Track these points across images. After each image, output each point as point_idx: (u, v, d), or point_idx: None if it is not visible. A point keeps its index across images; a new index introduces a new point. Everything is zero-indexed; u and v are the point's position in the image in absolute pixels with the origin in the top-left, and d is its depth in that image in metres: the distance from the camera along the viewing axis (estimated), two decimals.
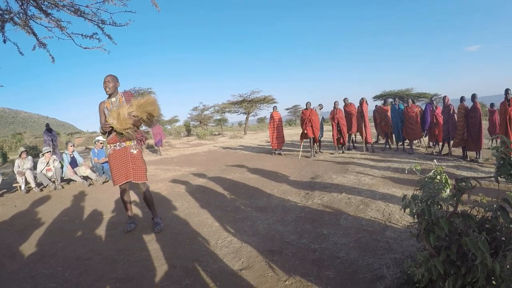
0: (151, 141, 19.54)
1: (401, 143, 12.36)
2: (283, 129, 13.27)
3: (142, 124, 4.69)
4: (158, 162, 13.07)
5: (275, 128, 12.93)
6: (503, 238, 2.14)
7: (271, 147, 13.49)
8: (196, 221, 5.17)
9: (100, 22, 6.63)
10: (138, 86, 33.84)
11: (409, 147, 11.95)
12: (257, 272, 3.43)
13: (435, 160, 2.70)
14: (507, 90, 8.73)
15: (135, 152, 4.71)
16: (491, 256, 2.03)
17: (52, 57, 6.66)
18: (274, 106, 13.62)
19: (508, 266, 2.01)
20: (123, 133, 4.42)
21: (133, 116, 4.42)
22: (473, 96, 9.84)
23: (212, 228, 4.82)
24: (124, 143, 4.69)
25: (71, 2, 6.06)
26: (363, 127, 12.17)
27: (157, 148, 16.46)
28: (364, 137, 12.32)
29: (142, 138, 4.84)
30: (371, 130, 13.12)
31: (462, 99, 10.32)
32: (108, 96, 4.74)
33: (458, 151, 11.43)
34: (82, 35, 6.67)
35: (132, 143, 4.71)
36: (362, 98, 12.57)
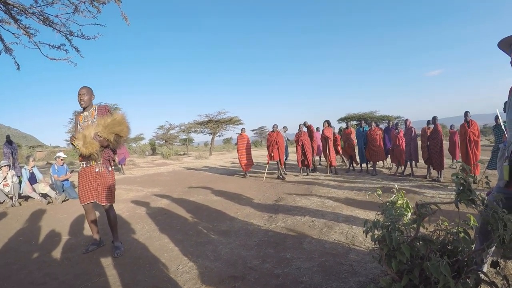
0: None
1: (364, 164, 12.62)
2: (251, 150, 13.20)
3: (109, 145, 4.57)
4: (121, 181, 12.77)
5: (244, 150, 12.80)
6: (465, 259, 2.14)
7: (235, 169, 13.45)
8: (157, 245, 5.01)
9: (68, 33, 6.52)
10: (104, 101, 33.45)
11: (372, 168, 12.17)
12: None
13: (396, 185, 2.72)
14: (466, 113, 9.09)
15: (97, 170, 4.57)
16: (453, 278, 2.02)
17: (18, 64, 6.51)
18: (243, 128, 13.43)
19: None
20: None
21: (100, 137, 4.31)
22: (434, 119, 10.28)
23: (173, 252, 4.67)
24: (90, 161, 4.56)
25: (40, 10, 5.95)
26: (327, 150, 12.29)
27: (120, 166, 16.15)
28: (328, 160, 12.42)
29: (110, 158, 4.70)
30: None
31: (428, 122, 10.73)
32: (83, 109, 4.63)
33: (420, 171, 11.73)
34: (49, 45, 6.54)
35: (99, 162, 4.57)
36: (325, 122, 12.70)
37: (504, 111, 2.83)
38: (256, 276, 3.77)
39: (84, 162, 4.57)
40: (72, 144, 4.37)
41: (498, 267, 2.18)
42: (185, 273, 3.93)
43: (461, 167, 2.08)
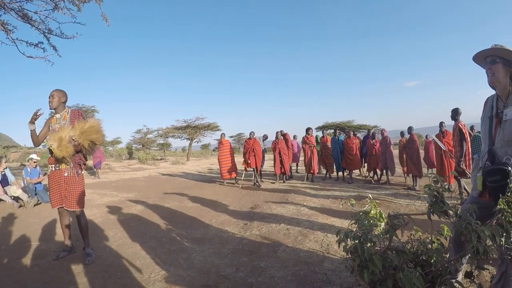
0: (90, 163, 19.01)
1: (341, 172, 12.73)
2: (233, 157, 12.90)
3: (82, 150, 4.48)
4: (96, 185, 12.61)
5: (225, 156, 12.55)
6: (440, 269, 2.15)
7: (211, 175, 13.37)
8: (129, 252, 4.90)
9: (47, 31, 6.41)
10: (81, 103, 33.01)
11: (348, 176, 12.27)
12: None
13: (369, 195, 2.73)
14: (441, 123, 9.27)
15: (66, 174, 4.46)
16: None
17: None
18: (222, 134, 13.22)
19: None
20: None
21: (75, 141, 4.22)
22: (410, 129, 10.60)
23: (146, 260, 4.56)
24: (59, 165, 4.46)
25: (20, 6, 5.84)
26: (311, 158, 12.35)
27: (95, 170, 15.91)
28: (307, 168, 12.48)
29: (81, 162, 4.59)
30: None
31: (402, 134, 10.98)
32: (55, 111, 4.54)
33: (395, 179, 11.87)
34: (27, 42, 6.43)
35: (68, 166, 4.45)
36: (309, 129, 12.74)
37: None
38: (229, 285, 3.71)
39: (53, 165, 4.47)
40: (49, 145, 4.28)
41: (472, 277, 2.20)
42: (157, 282, 3.84)
43: (434, 178, 2.09)
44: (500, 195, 2.15)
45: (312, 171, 12.47)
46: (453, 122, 7.94)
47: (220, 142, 12.88)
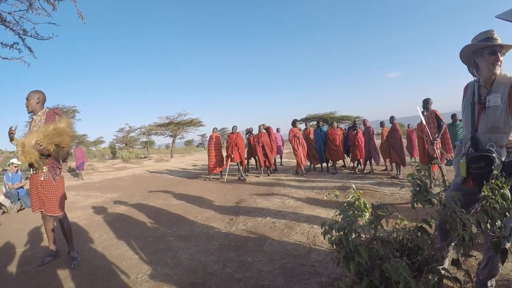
0: (73, 164, 18.79)
1: (324, 164, 12.79)
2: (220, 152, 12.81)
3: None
4: (79, 187, 12.42)
5: (211, 151, 12.43)
6: (426, 257, 2.15)
7: (196, 171, 13.30)
8: (115, 253, 4.83)
9: (22, 32, 6.30)
10: (62, 103, 32.64)
11: (332, 167, 12.32)
12: None
13: (353, 185, 2.73)
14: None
15: (42, 179, 4.36)
16: (415, 277, 2.02)
17: None
18: (215, 128, 13.16)
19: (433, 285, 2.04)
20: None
21: (40, 146, 4.11)
22: (392, 118, 10.71)
23: (132, 261, 4.51)
24: (36, 169, 4.38)
25: None
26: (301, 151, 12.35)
27: (78, 172, 15.73)
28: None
29: (55, 165, 4.48)
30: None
31: (382, 124, 11.11)
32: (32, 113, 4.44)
33: (379, 169, 11.98)
34: (1, 43, 6.31)
35: (45, 169, 4.37)
36: (295, 120, 12.71)
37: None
38: (217, 281, 3.69)
39: (32, 169, 4.39)
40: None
41: (459, 264, 2.21)
42: (145, 282, 3.80)
43: (417, 167, 2.08)
44: (484, 182, 2.16)
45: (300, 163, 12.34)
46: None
47: (211, 136, 12.78)
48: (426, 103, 8.31)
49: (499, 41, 2.50)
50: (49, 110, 4.46)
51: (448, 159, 8.39)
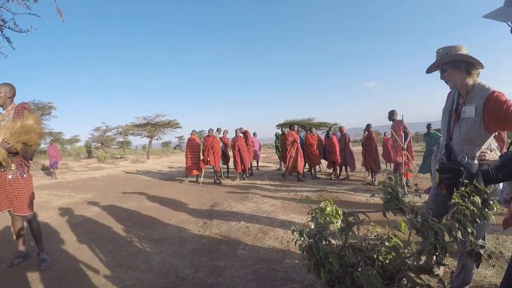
0: (46, 162, 18.49)
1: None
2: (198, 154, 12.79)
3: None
4: (52, 186, 12.20)
5: (194, 152, 12.43)
6: (399, 265, 2.13)
7: (172, 173, 13.21)
8: (86, 256, 4.71)
9: (0, 21, 6.17)
10: (37, 99, 32.11)
11: (309, 172, 12.40)
12: None
13: (325, 191, 2.75)
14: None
15: (10, 177, 4.25)
16: (387, 285, 2.03)
17: None
18: (193, 130, 13.05)
19: None
20: None
21: (7, 144, 4.00)
22: (368, 126, 10.92)
23: (103, 263, 4.40)
24: (3, 167, 4.26)
25: None
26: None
27: (52, 170, 15.47)
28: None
29: (23, 163, 4.35)
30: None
31: (364, 131, 11.35)
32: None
33: (355, 176, 12.10)
34: None
35: (13, 167, 4.28)
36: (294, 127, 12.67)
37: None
38: (188, 286, 3.63)
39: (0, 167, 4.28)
40: None
41: (432, 272, 2.23)
42: (115, 286, 3.71)
43: (389, 175, 2.06)
44: (454, 190, 2.21)
45: (297, 169, 11.90)
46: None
47: (189, 138, 12.72)
48: (392, 114, 8.78)
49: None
50: (18, 105, 4.31)
51: (414, 167, 8.66)
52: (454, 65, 2.60)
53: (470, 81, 2.59)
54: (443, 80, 2.75)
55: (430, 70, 2.79)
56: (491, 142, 2.59)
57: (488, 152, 2.43)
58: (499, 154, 2.53)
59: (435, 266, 2.99)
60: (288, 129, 12.51)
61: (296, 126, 12.56)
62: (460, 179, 2.25)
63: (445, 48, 2.63)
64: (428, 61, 2.86)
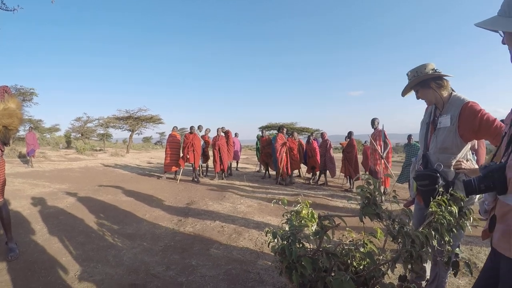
0: (24, 150, 18.20)
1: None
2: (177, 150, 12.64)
3: None
4: (28, 175, 11.93)
5: (175, 149, 12.30)
6: (373, 271, 2.12)
7: (150, 169, 13.09)
8: (56, 248, 4.60)
9: None
10: (20, 84, 31.59)
11: (288, 176, 12.43)
12: None
13: (301, 194, 2.73)
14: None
15: None
16: None
17: None
18: (175, 127, 13.00)
19: None
20: None
21: None
22: (350, 133, 11.02)
23: (73, 256, 4.30)
24: None
25: None
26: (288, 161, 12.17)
27: (28, 158, 15.19)
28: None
29: None
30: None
31: (348, 135, 11.50)
32: None
33: (333, 182, 12.15)
34: None
35: None
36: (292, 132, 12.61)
37: None
38: (158, 284, 3.58)
39: None
40: None
41: (406, 281, 2.22)
42: (84, 280, 3.63)
43: (368, 179, 2.04)
44: (431, 198, 2.22)
45: (286, 173, 11.74)
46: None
47: (170, 135, 12.61)
48: (373, 122, 9.04)
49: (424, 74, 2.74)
50: None
51: (391, 173, 8.77)
52: (423, 85, 2.79)
53: (444, 93, 2.74)
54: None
55: (404, 93, 3.01)
56: (468, 152, 2.67)
57: (464, 161, 2.44)
58: (475, 164, 2.57)
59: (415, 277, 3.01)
60: (277, 132, 12.39)
61: (285, 129, 12.28)
62: (436, 185, 2.39)
63: (412, 71, 2.81)
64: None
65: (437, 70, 2.72)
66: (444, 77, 2.70)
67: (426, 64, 2.75)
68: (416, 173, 2.68)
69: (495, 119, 2.44)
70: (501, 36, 1.56)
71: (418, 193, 2.76)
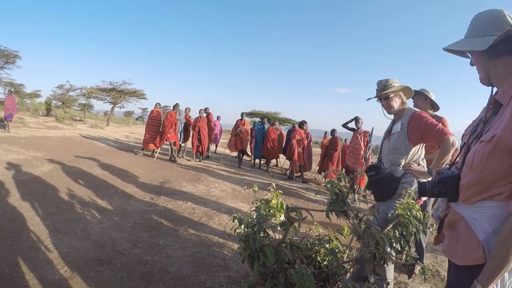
0: (1, 114, 17.86)
1: (258, 160, 12.96)
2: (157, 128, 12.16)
3: None
4: (3, 140, 11.60)
5: (155, 126, 11.97)
6: (336, 268, 2.16)
7: (129, 143, 12.99)
8: (25, 216, 4.56)
9: None
10: (3, 45, 30.84)
11: (265, 165, 12.50)
12: (78, 284, 3.05)
13: (273, 184, 2.76)
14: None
15: None
16: (321, 287, 2.05)
17: None
18: (157, 103, 12.67)
19: None
20: None
21: None
22: (333, 131, 11.15)
23: (40, 226, 4.28)
24: None
25: None
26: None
27: (6, 123, 14.90)
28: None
29: None
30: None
31: (325, 134, 11.58)
32: None
33: (310, 175, 12.23)
34: None
35: None
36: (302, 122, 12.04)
37: None
38: (123, 261, 3.59)
39: None
40: None
41: (367, 282, 2.25)
42: (49, 252, 3.62)
43: (339, 175, 2.04)
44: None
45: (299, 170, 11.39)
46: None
47: (152, 111, 12.41)
48: (357, 120, 9.17)
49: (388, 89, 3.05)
50: None
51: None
52: (385, 98, 3.10)
53: (403, 105, 3.14)
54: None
55: (369, 99, 3.27)
56: (420, 158, 3.03)
57: (415, 165, 2.87)
58: (426, 168, 2.95)
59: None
60: (297, 127, 11.91)
61: (304, 125, 11.72)
62: (381, 175, 2.87)
63: (383, 81, 3.12)
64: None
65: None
66: (402, 93, 3.11)
67: (392, 79, 3.09)
68: (367, 167, 3.02)
69: (438, 124, 2.81)
70: (469, 57, 1.61)
71: (368, 186, 3.04)
